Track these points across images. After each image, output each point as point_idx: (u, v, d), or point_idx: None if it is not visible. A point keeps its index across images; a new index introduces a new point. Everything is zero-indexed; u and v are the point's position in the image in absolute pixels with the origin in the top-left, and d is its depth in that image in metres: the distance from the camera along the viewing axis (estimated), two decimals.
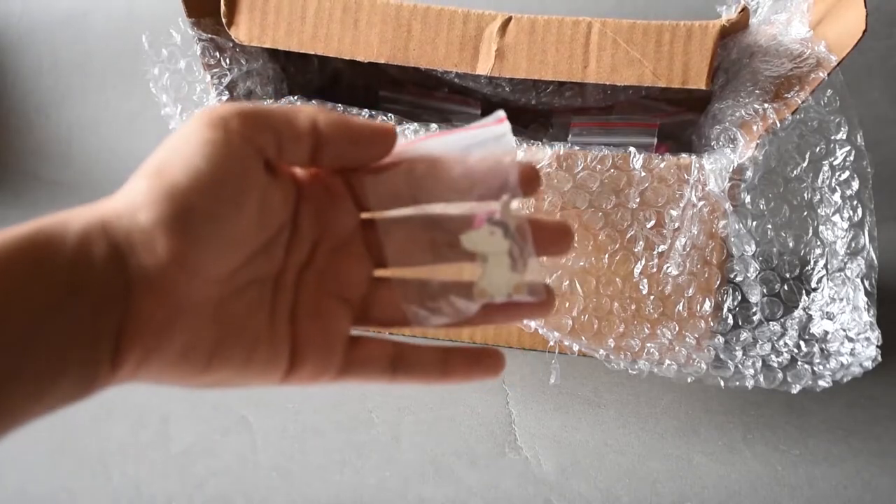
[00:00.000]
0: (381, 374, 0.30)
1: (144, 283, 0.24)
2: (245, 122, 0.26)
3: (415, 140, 0.32)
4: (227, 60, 0.54)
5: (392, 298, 0.31)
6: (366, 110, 0.53)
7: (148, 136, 0.90)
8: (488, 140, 0.31)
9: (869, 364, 0.45)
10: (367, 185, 0.30)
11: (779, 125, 0.45)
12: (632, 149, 0.48)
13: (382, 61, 0.50)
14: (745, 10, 0.51)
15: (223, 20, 0.52)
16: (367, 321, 0.31)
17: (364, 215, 0.31)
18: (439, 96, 0.63)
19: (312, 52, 0.51)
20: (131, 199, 0.25)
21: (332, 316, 0.30)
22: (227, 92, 0.54)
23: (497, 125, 0.32)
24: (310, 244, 0.29)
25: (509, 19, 0.48)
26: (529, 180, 0.30)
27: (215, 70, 0.54)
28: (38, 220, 0.24)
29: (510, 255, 0.30)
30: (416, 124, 0.50)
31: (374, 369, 0.30)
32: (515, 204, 0.31)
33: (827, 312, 0.48)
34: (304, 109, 0.28)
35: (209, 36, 0.53)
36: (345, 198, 0.30)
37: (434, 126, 0.50)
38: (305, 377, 0.29)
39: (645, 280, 0.49)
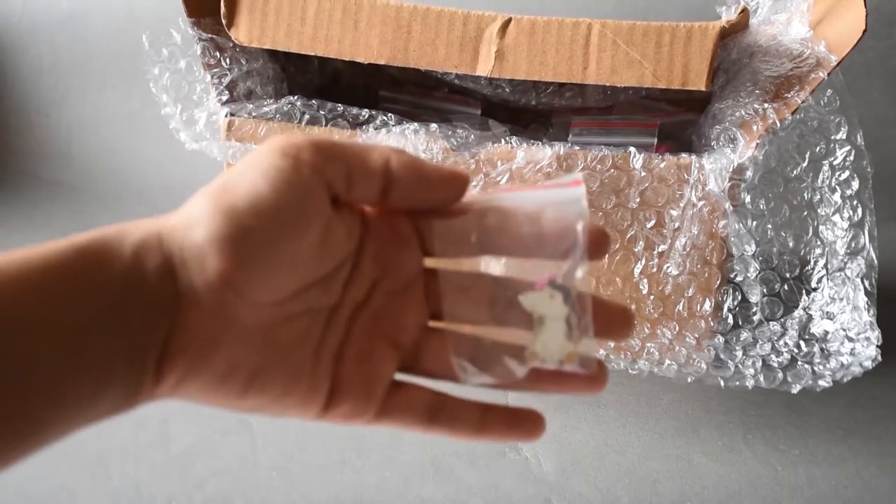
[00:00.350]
0: (417, 423, 0.30)
1: (193, 298, 0.24)
2: (317, 154, 0.26)
3: (489, 192, 0.32)
4: (228, 60, 0.54)
5: (442, 350, 0.30)
6: (365, 110, 0.53)
7: (148, 136, 0.90)
8: (563, 202, 0.31)
9: (869, 364, 0.45)
10: (435, 229, 0.30)
11: (779, 125, 0.45)
12: (632, 149, 0.48)
13: (382, 62, 0.50)
14: (744, 11, 0.51)
15: (223, 21, 0.52)
16: (415, 370, 0.31)
17: (428, 263, 0.31)
18: (439, 96, 0.63)
19: (312, 54, 0.51)
20: (189, 215, 0.25)
21: (379, 359, 0.29)
22: (227, 92, 0.54)
23: (574, 187, 0.31)
24: (370, 283, 0.29)
25: (509, 20, 0.48)
26: (599, 244, 0.29)
27: (215, 70, 0.54)
28: (100, 229, 0.24)
29: (567, 322, 0.30)
30: (416, 124, 0.50)
31: (412, 417, 0.30)
32: (580, 274, 0.30)
33: (827, 312, 0.48)
34: (379, 148, 0.28)
35: (209, 36, 0.53)
36: (411, 241, 0.30)
37: (434, 126, 0.50)
38: (342, 416, 0.29)
39: (645, 280, 0.49)
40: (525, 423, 0.31)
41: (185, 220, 0.25)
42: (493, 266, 0.32)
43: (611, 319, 0.30)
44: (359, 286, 0.29)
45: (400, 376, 0.30)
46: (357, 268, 0.29)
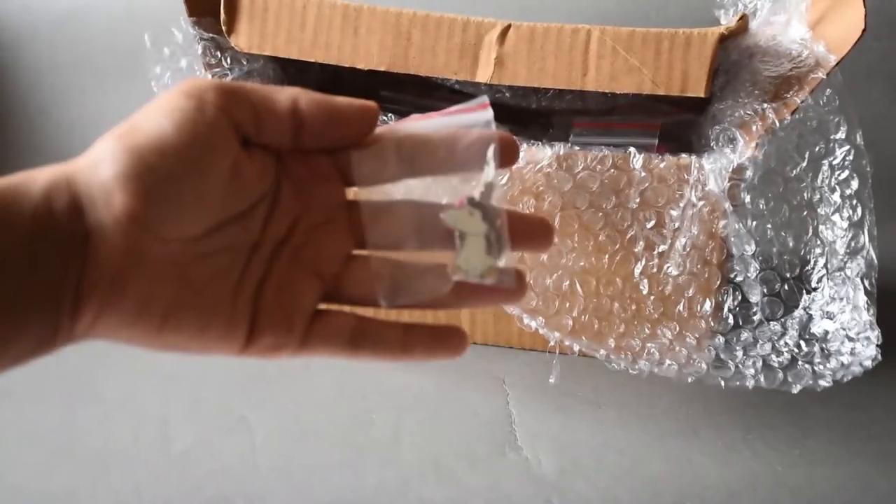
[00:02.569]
0: (341, 349, 0.30)
1: (102, 236, 0.24)
2: (222, 95, 0.27)
3: (399, 122, 0.33)
4: (228, 60, 0.54)
5: (366, 277, 0.31)
6: None
7: None
8: (473, 124, 0.32)
9: (869, 363, 0.45)
10: (353, 159, 0.30)
11: (778, 125, 0.45)
12: (632, 149, 0.48)
13: (382, 69, 0.50)
14: (743, 17, 0.51)
15: (223, 28, 0.52)
16: (339, 298, 0.31)
17: (351, 195, 0.31)
18: (440, 96, 0.64)
19: (312, 60, 0.51)
20: (95, 156, 0.25)
21: (299, 290, 0.30)
22: None
23: (481, 111, 0.32)
24: (290, 219, 0.30)
25: (508, 27, 0.48)
26: (510, 152, 0.31)
27: (216, 70, 0.54)
28: (6, 176, 0.24)
29: (487, 238, 0.31)
30: None
31: (335, 344, 0.30)
32: (497, 191, 0.31)
33: (827, 312, 0.48)
34: (286, 90, 0.28)
35: (210, 35, 0.53)
36: (331, 175, 0.30)
37: None
38: (265, 349, 0.29)
39: (645, 280, 0.49)
40: (449, 339, 0.31)
41: (91, 161, 0.25)
42: (414, 192, 0.33)
43: (530, 232, 0.31)
44: (279, 223, 0.29)
45: (329, 307, 0.31)
46: (276, 205, 0.29)
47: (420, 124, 0.33)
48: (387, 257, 0.31)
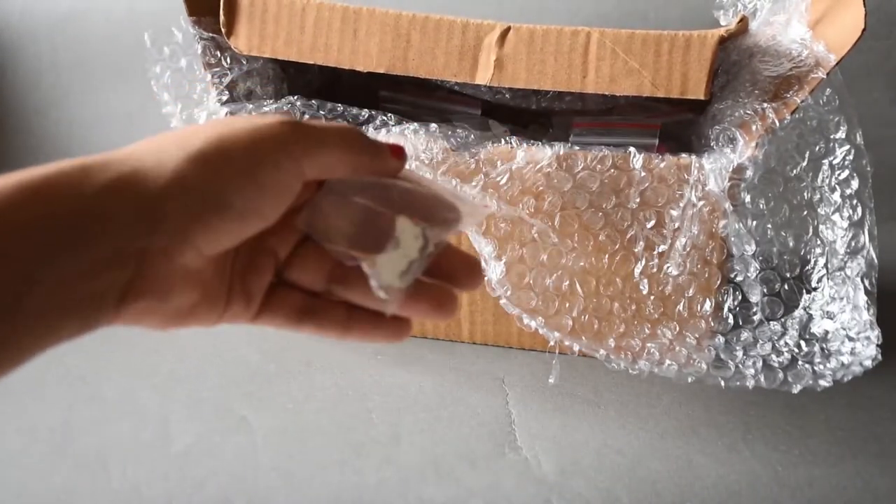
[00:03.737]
0: (288, 321, 0.33)
1: (161, 249, 0.26)
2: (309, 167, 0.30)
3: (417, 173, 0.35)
4: (228, 60, 0.54)
5: (311, 261, 0.34)
6: (365, 110, 0.53)
7: (148, 135, 0.90)
8: (475, 204, 0.35)
9: (869, 363, 0.45)
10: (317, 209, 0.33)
11: (778, 125, 0.45)
12: (632, 149, 0.48)
13: (382, 71, 0.50)
14: (743, 19, 0.51)
15: (222, 30, 0.52)
16: (288, 276, 0.34)
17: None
18: (439, 96, 0.64)
19: (312, 62, 0.51)
20: (177, 173, 0.27)
21: (259, 270, 0.32)
22: (227, 91, 0.54)
23: (483, 207, 0.36)
24: None
25: (508, 29, 0.48)
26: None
27: (216, 69, 0.53)
28: (66, 163, 0.25)
29: (409, 264, 0.32)
30: (416, 124, 0.50)
31: (284, 317, 0.33)
32: (444, 240, 0.33)
33: (827, 312, 0.48)
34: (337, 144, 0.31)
35: (210, 35, 0.53)
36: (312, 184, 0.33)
37: (434, 126, 0.50)
38: (230, 319, 0.32)
39: (645, 280, 0.49)
40: (389, 327, 0.34)
41: (171, 178, 0.26)
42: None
43: (462, 268, 0.34)
44: None
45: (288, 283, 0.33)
46: None
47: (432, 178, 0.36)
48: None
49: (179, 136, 0.28)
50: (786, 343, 0.48)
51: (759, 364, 0.47)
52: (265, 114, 0.31)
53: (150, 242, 0.26)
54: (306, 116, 0.53)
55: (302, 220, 0.32)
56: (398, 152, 0.33)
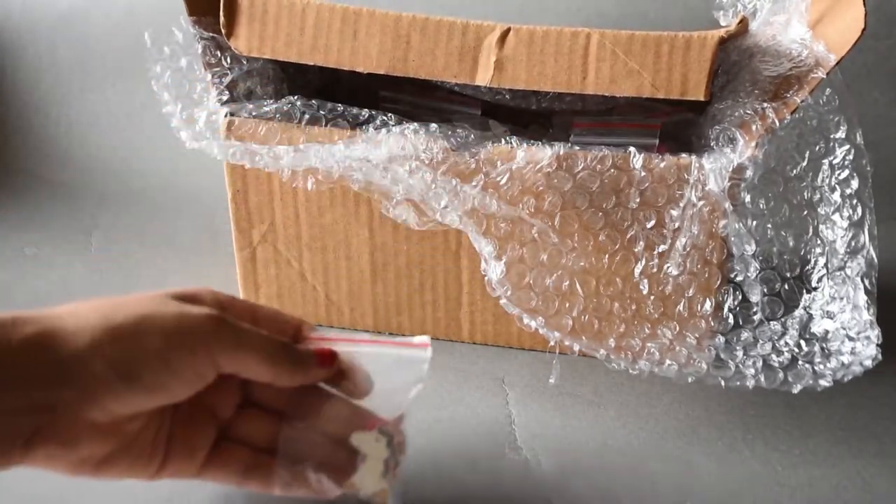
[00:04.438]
0: (233, 478, 0.35)
1: (68, 405, 0.28)
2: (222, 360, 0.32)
3: (347, 338, 0.37)
4: (228, 59, 0.54)
5: (252, 423, 0.36)
6: (366, 110, 0.53)
7: (148, 136, 0.89)
8: (410, 361, 0.36)
9: (869, 363, 0.45)
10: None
11: (778, 125, 0.45)
12: (632, 149, 0.48)
13: (382, 72, 0.50)
14: (743, 20, 0.51)
15: (222, 31, 0.52)
16: (231, 437, 0.36)
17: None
18: (439, 96, 0.64)
19: (312, 63, 0.51)
20: (80, 327, 0.29)
21: (199, 431, 0.35)
22: (227, 91, 0.54)
23: (421, 349, 0.37)
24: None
25: (508, 30, 0.48)
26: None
27: (216, 69, 0.53)
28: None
29: (385, 463, 0.35)
30: (415, 124, 0.50)
31: (228, 474, 0.35)
32: (404, 427, 0.36)
33: (827, 311, 0.48)
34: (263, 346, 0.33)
35: (210, 35, 0.53)
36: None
37: (434, 126, 0.50)
38: (169, 476, 0.35)
39: (645, 280, 0.49)
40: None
41: (76, 330, 0.29)
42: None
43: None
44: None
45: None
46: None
47: (364, 348, 0.37)
48: (294, 449, 0.36)
49: (105, 306, 0.30)
50: (786, 343, 0.48)
51: (760, 364, 0.47)
52: (199, 305, 0.33)
53: (59, 397, 0.28)
54: (306, 116, 0.53)
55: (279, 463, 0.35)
56: (325, 359, 0.35)
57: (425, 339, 0.38)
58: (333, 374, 0.35)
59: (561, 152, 0.48)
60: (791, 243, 0.48)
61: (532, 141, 0.50)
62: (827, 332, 0.48)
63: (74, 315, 0.29)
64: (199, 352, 0.31)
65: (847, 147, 0.47)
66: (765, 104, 0.46)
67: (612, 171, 0.48)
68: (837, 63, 0.44)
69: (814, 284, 0.48)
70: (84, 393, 0.28)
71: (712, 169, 0.46)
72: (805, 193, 0.48)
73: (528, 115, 0.66)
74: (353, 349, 0.36)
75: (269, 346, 0.33)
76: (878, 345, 0.46)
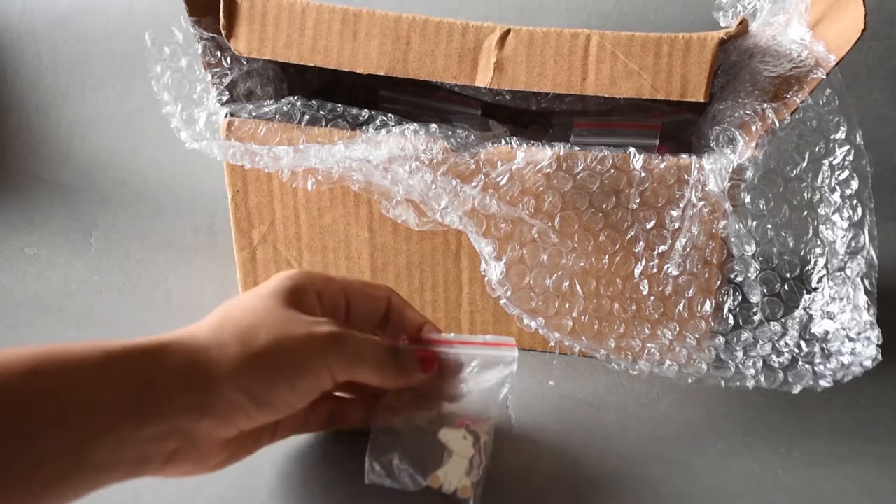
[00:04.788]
0: (322, 426, 0.44)
1: (206, 431, 0.32)
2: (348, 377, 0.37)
3: (441, 339, 0.41)
4: (228, 60, 0.54)
5: (348, 414, 0.44)
6: (366, 110, 0.53)
7: (148, 136, 0.90)
8: (499, 362, 0.40)
9: (869, 363, 0.45)
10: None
11: (778, 125, 0.45)
12: (632, 149, 0.48)
13: (381, 73, 0.50)
14: (743, 21, 0.51)
15: (222, 32, 0.52)
16: (332, 424, 0.44)
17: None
18: (439, 96, 0.64)
19: (312, 65, 0.51)
20: (229, 360, 0.33)
21: (314, 415, 0.43)
22: (227, 92, 0.54)
23: (507, 348, 0.41)
24: None
25: (508, 31, 0.48)
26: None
27: (216, 69, 0.53)
28: (152, 340, 0.32)
29: (470, 462, 0.37)
30: (415, 124, 0.50)
31: (319, 424, 0.44)
32: (491, 428, 0.39)
33: (827, 312, 0.48)
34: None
35: (210, 35, 0.53)
36: None
37: (434, 126, 0.50)
38: (277, 439, 0.41)
39: (645, 281, 0.49)
40: None
41: (228, 375, 0.32)
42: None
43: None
44: None
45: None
46: None
47: (451, 350, 0.40)
48: (387, 439, 0.39)
49: (241, 326, 0.33)
50: (786, 343, 0.48)
51: (760, 364, 0.47)
52: (319, 321, 0.36)
53: (198, 426, 0.31)
54: (306, 117, 0.53)
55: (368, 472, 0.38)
56: (428, 365, 0.39)
57: (510, 339, 0.41)
58: (432, 377, 0.39)
59: (561, 153, 0.48)
60: (791, 244, 0.48)
61: (532, 141, 0.50)
62: (827, 332, 0.48)
63: (218, 344, 0.32)
64: (321, 372, 0.34)
65: (847, 147, 0.47)
66: (765, 105, 0.46)
67: (612, 171, 0.48)
68: (837, 63, 0.44)
69: (814, 285, 0.48)
70: (222, 420, 0.32)
71: (712, 169, 0.46)
72: (805, 194, 0.48)
73: (528, 116, 0.66)
74: (449, 350, 0.40)
75: (380, 354, 0.37)
76: (878, 345, 0.45)
